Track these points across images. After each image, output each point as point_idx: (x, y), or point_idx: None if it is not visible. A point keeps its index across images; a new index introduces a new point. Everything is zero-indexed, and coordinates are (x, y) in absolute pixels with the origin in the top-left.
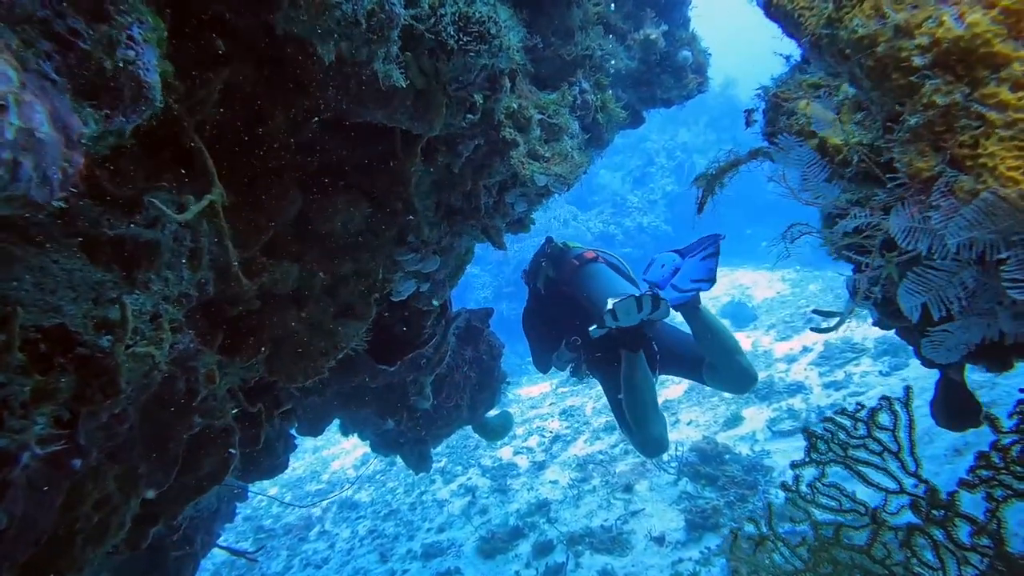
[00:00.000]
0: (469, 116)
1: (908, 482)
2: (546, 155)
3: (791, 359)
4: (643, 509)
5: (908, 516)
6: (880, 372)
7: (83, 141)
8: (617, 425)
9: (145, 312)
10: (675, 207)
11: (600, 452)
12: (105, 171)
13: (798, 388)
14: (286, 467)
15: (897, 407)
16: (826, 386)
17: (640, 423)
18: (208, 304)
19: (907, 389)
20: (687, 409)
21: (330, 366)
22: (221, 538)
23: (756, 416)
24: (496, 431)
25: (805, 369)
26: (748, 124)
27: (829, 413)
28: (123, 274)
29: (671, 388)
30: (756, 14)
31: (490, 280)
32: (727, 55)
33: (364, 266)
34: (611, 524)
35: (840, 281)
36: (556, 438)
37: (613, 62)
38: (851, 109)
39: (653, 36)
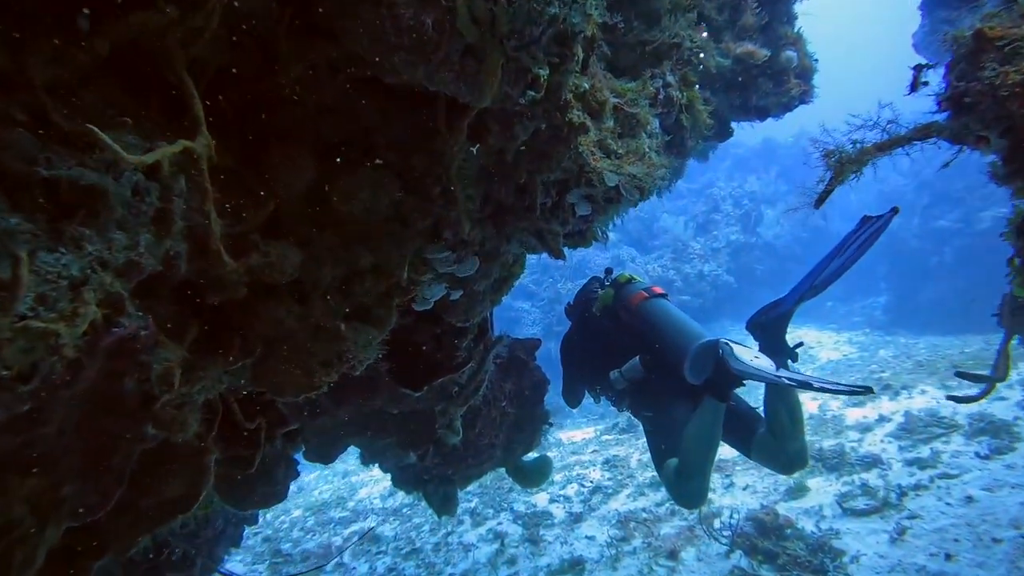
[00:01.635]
0: (531, 92)
1: None
2: (619, 151)
3: (865, 428)
4: None
5: None
6: (976, 454)
7: None
8: (655, 467)
9: (64, 276)
10: (739, 257)
11: (643, 509)
12: (58, 99)
13: (873, 461)
14: (285, 496)
15: None
16: (908, 463)
17: (692, 474)
18: (182, 286)
19: None
20: (743, 472)
21: (331, 380)
22: (239, 559)
23: (823, 488)
24: (532, 476)
25: (881, 441)
26: (914, 87)
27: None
28: (47, 224)
29: (724, 447)
30: (834, 70)
31: (540, 316)
32: (801, 108)
33: (386, 260)
34: None
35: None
36: (596, 489)
37: (703, 56)
38: None
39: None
